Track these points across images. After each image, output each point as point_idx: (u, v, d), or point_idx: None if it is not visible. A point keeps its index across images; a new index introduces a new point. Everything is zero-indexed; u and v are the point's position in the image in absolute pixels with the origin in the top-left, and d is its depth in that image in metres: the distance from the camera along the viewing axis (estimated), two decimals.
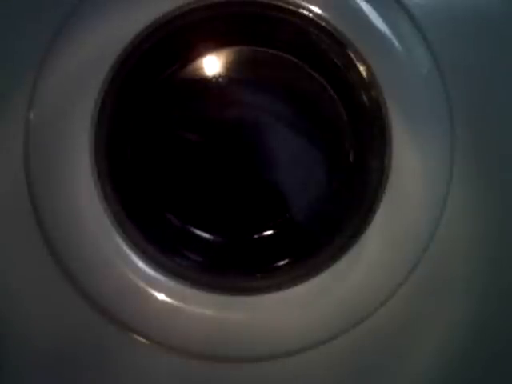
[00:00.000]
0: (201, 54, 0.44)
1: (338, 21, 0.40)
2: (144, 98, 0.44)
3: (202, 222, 0.45)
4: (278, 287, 0.41)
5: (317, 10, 0.40)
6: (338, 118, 0.44)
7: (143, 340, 0.42)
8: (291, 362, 0.42)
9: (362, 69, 0.41)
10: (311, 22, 0.41)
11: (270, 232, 0.46)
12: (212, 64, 0.45)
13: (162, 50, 0.42)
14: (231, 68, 0.45)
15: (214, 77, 0.45)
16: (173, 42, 0.42)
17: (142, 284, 0.40)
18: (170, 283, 0.41)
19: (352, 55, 0.41)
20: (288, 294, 0.41)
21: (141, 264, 0.41)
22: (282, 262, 0.45)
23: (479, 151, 0.42)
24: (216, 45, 0.44)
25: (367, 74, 0.41)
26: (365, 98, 0.42)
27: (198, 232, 0.45)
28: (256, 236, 0.46)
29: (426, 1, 0.41)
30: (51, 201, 0.40)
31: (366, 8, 0.40)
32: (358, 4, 0.40)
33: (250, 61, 0.45)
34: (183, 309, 0.41)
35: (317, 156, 0.45)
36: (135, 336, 0.41)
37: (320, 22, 0.40)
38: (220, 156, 0.45)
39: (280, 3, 0.41)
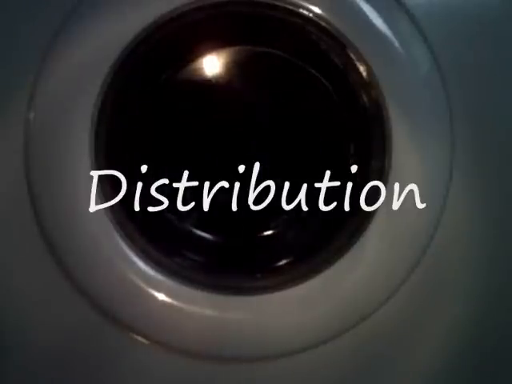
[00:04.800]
0: (201, 54, 0.44)
1: (338, 21, 0.40)
2: (144, 98, 0.44)
3: (202, 222, 0.45)
4: (278, 287, 0.41)
5: (317, 10, 0.40)
6: (338, 118, 0.44)
7: (143, 340, 0.42)
8: (291, 362, 0.42)
9: (361, 69, 0.41)
10: (311, 21, 0.41)
11: (269, 232, 0.46)
12: (212, 64, 0.45)
13: (162, 50, 0.42)
14: (231, 68, 0.44)
15: (214, 77, 0.45)
16: (173, 42, 0.42)
17: (142, 284, 0.40)
18: (170, 283, 0.41)
19: (352, 55, 0.41)
20: (288, 294, 0.41)
21: (141, 264, 0.41)
22: (282, 262, 0.45)
23: (479, 151, 0.42)
24: (216, 45, 0.44)
25: (367, 74, 0.41)
26: (365, 98, 0.42)
27: (199, 232, 0.45)
28: (256, 236, 0.46)
29: (426, 1, 0.41)
30: (51, 201, 0.40)
31: (366, 8, 0.40)
32: (358, 4, 0.40)
33: (250, 61, 0.45)
34: (183, 309, 0.41)
35: (316, 156, 0.45)
36: (135, 336, 0.42)
37: (320, 22, 0.41)
38: (220, 156, 0.45)
39: (280, 3, 0.41)
